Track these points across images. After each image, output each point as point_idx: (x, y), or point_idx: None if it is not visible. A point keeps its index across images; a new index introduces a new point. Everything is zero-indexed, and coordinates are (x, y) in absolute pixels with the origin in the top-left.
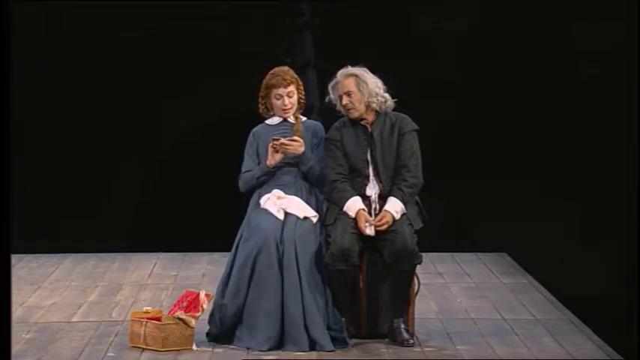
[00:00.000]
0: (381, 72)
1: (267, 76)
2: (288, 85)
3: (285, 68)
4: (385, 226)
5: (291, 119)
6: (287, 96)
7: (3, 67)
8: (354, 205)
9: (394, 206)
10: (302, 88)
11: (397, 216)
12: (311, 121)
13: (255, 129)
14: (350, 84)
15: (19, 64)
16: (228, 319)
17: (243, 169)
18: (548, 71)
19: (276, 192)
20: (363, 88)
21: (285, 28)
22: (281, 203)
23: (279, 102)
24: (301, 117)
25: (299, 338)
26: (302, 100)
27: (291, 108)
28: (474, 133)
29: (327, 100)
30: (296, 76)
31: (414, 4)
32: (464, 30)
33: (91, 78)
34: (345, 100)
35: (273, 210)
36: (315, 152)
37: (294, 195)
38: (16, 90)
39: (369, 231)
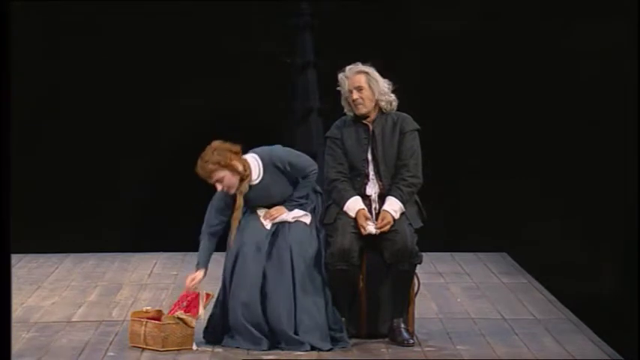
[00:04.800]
0: (381, 72)
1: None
2: (210, 175)
3: (206, 156)
4: (387, 227)
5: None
6: (218, 182)
7: (3, 67)
8: (354, 204)
9: (393, 205)
10: (233, 163)
11: (396, 215)
12: (268, 158)
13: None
14: (361, 80)
15: (19, 65)
16: (218, 326)
17: None
18: (549, 71)
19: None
20: (373, 85)
21: (285, 28)
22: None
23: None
24: (251, 176)
25: (290, 342)
26: (243, 174)
27: (231, 187)
28: (474, 133)
29: (338, 88)
30: (217, 157)
31: (414, 4)
32: (464, 30)
33: (90, 78)
34: (356, 94)
35: (264, 221)
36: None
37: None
38: (16, 90)
39: (371, 228)
